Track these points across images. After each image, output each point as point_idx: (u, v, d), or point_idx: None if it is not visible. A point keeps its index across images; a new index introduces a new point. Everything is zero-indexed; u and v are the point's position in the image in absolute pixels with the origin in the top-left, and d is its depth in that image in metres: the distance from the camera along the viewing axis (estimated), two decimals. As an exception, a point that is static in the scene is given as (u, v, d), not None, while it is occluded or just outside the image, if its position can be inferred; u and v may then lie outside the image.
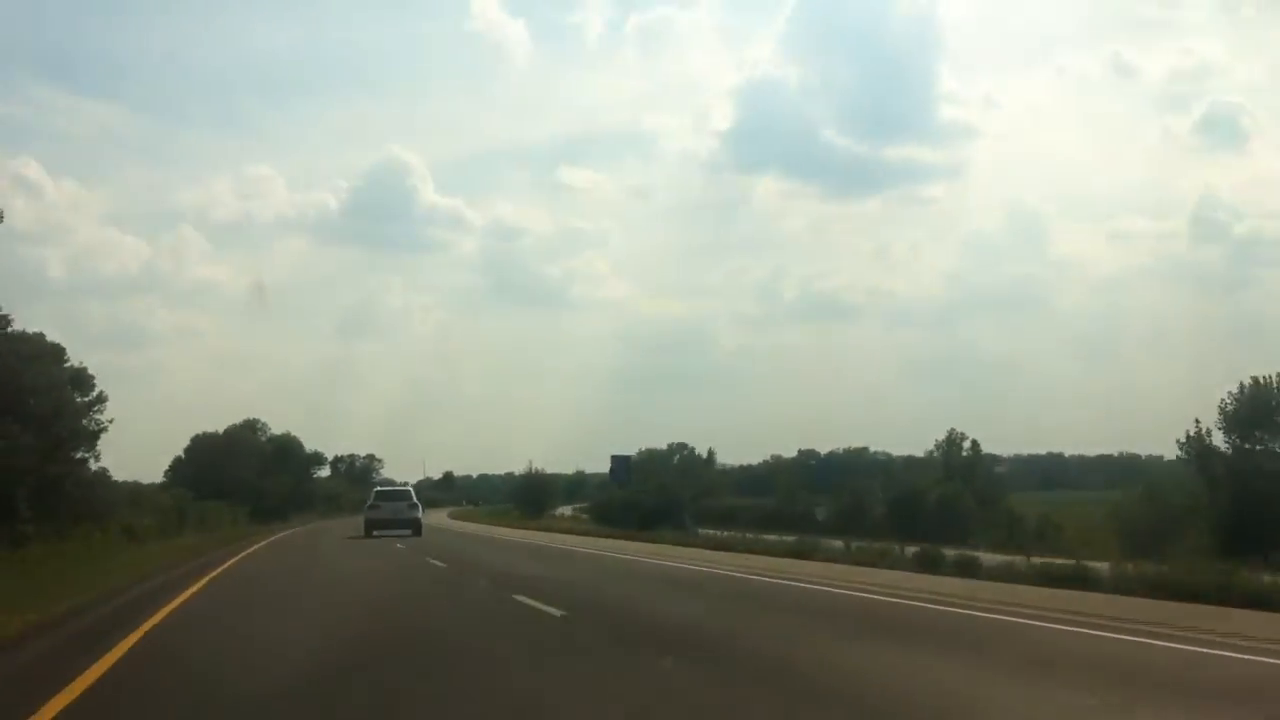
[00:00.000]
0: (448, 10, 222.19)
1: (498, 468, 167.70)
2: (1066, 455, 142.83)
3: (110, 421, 43.23)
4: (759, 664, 10.67)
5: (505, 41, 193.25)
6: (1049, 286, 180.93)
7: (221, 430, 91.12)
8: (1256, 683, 9.66)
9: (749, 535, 37.12)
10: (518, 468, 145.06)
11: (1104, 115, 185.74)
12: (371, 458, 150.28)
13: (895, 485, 71.62)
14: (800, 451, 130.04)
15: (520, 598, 17.17)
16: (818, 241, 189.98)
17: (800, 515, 58.89)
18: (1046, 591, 17.48)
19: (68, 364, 42.75)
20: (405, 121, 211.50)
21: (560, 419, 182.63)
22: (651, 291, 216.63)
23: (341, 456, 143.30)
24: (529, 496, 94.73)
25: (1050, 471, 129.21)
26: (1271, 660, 10.62)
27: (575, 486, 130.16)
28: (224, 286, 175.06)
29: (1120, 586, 17.61)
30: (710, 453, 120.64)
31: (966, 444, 76.41)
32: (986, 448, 77.51)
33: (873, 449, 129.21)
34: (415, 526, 46.44)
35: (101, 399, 43.96)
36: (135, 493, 56.30)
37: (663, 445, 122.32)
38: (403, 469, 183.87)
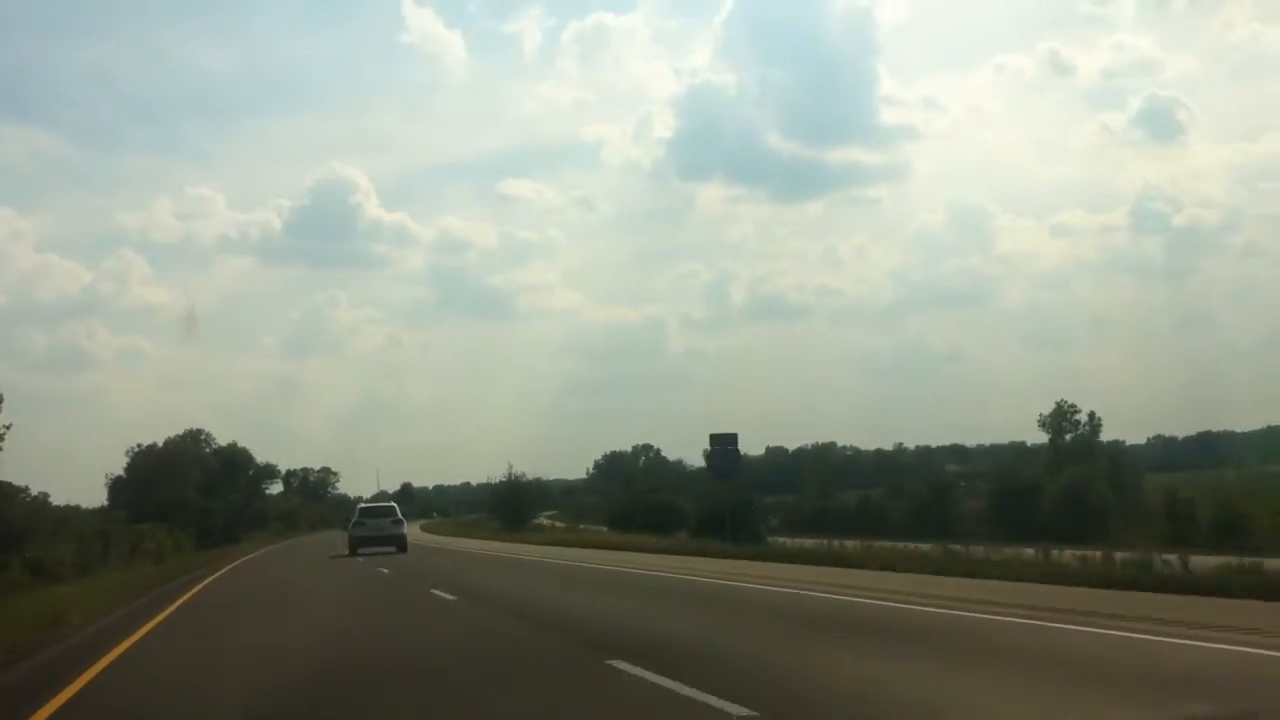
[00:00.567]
0: (382, 24, 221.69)
1: (452, 478, 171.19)
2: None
3: (8, 426, 33.32)
4: None
5: (442, 54, 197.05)
6: (995, 281, 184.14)
7: (161, 442, 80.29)
8: None
9: (877, 544, 27.76)
10: (473, 478, 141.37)
11: (1043, 112, 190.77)
12: (326, 470, 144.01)
13: (992, 476, 60.46)
14: (768, 449, 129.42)
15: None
16: (764, 244, 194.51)
17: (854, 514, 50.22)
18: None
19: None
20: (346, 138, 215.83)
21: (514, 428, 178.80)
22: (601, 299, 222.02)
23: (295, 470, 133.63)
24: (508, 506, 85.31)
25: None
26: None
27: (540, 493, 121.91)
28: (166, 309, 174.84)
29: None
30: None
31: (1081, 418, 63.41)
32: (938, 439, 69.04)
33: (840, 444, 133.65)
34: (400, 543, 45.11)
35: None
36: (60, 519, 47.15)
37: (626, 449, 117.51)
38: (356, 483, 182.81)
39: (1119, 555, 20.54)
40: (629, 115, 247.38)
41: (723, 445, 36.56)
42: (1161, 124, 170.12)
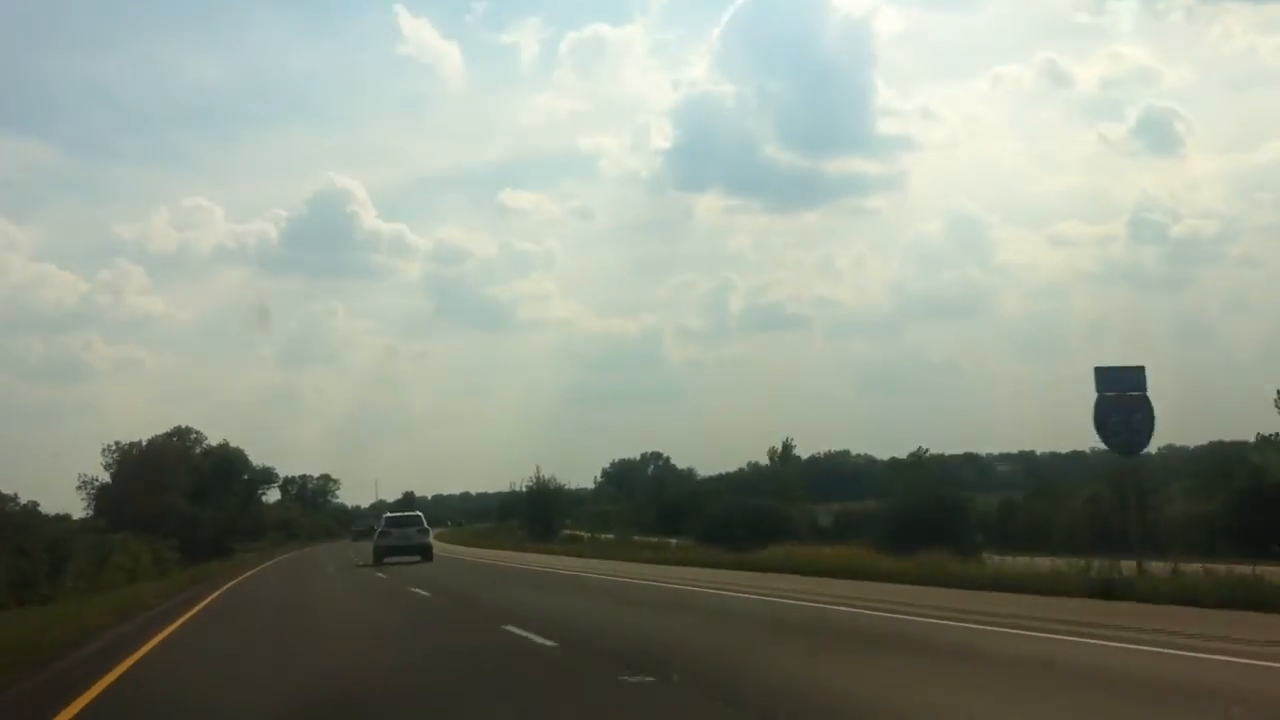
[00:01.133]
0: (379, 35, 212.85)
1: (451, 488, 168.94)
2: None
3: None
4: None
5: (439, 64, 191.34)
6: (992, 291, 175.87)
7: (145, 441, 70.86)
8: None
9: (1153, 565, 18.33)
10: (473, 488, 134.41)
11: (1040, 123, 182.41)
12: (327, 478, 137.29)
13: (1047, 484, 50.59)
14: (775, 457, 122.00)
15: None
16: (762, 255, 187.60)
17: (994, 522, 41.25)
18: None
19: None
20: (343, 149, 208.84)
21: (513, 438, 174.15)
22: (599, 309, 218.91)
23: (293, 478, 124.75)
24: (537, 514, 76.25)
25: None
26: None
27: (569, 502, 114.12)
28: (164, 318, 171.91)
29: None
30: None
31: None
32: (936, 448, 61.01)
33: (854, 451, 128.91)
34: (426, 552, 44.50)
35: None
36: (22, 527, 39.28)
37: (635, 456, 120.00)
38: (355, 493, 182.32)
39: None
40: (627, 126, 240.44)
41: (1120, 392, 20.43)
42: (1159, 134, 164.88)
